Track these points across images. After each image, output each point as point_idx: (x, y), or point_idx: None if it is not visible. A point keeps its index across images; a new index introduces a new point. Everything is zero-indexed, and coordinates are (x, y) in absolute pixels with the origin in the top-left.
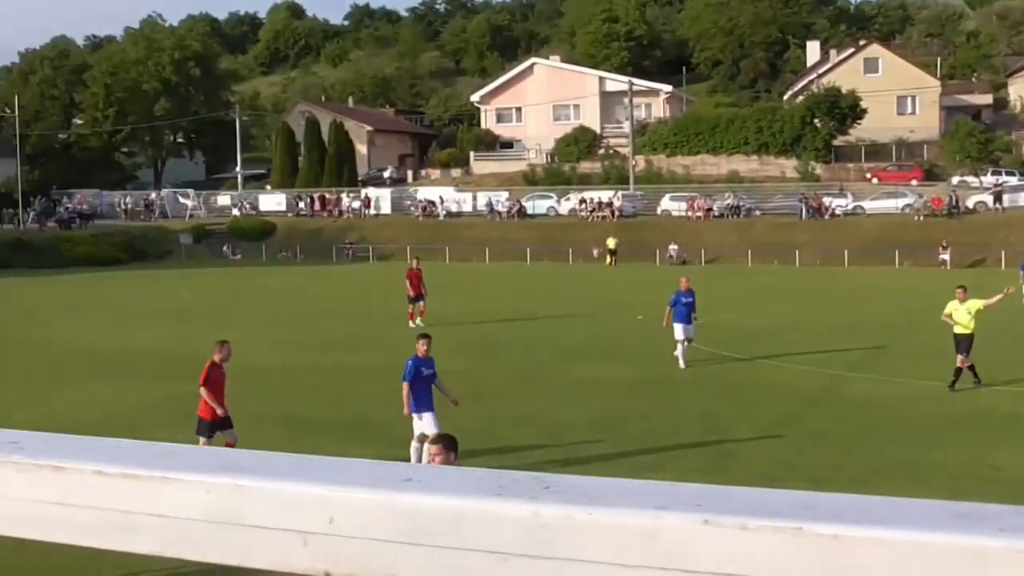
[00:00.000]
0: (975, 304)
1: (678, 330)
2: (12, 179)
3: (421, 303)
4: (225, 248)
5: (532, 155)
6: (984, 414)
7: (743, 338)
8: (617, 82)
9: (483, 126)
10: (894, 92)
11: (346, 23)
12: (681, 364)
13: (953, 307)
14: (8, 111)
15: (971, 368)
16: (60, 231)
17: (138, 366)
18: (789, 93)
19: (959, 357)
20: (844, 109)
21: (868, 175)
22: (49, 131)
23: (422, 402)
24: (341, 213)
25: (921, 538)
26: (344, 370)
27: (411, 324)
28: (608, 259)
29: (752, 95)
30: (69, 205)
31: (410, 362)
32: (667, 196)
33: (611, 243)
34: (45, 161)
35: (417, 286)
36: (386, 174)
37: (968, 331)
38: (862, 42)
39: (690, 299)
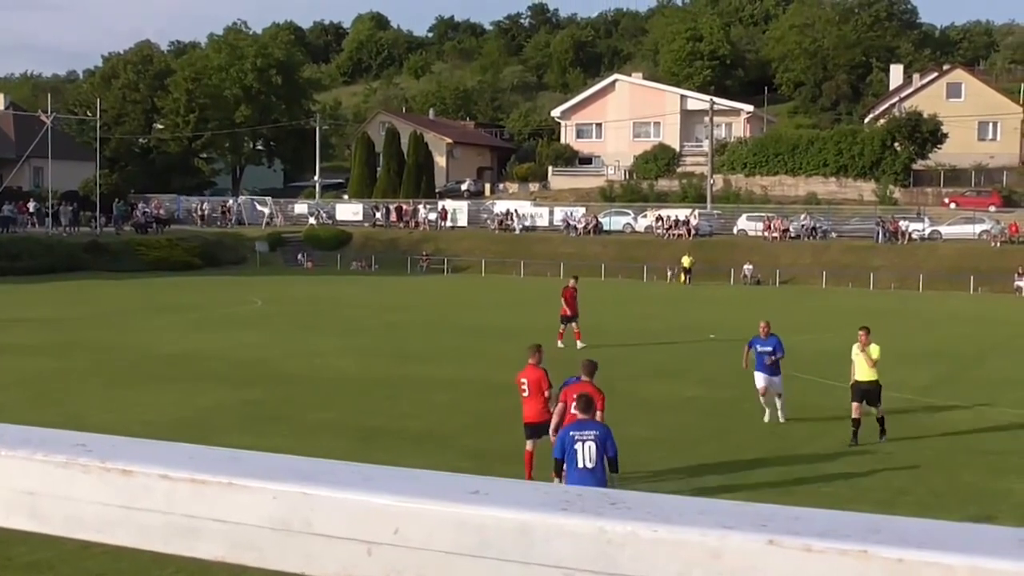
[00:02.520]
0: (877, 351)
1: (757, 379)
2: (91, 182)
3: (575, 323)
4: (300, 256)
5: (610, 171)
6: None
7: (816, 360)
8: (698, 101)
9: (563, 141)
10: (976, 118)
11: (430, 35)
12: (766, 418)
13: (854, 352)
14: (90, 114)
15: (856, 422)
16: (136, 235)
17: (210, 371)
18: (870, 116)
19: (854, 405)
20: (925, 133)
21: (946, 200)
22: (129, 135)
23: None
24: (418, 224)
25: (984, 564)
26: (416, 381)
27: (559, 344)
28: (683, 277)
29: (833, 117)
30: (146, 209)
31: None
32: (744, 216)
33: (686, 261)
34: (124, 165)
35: (573, 305)
36: (464, 187)
37: (867, 379)
38: (946, 67)
39: (768, 347)
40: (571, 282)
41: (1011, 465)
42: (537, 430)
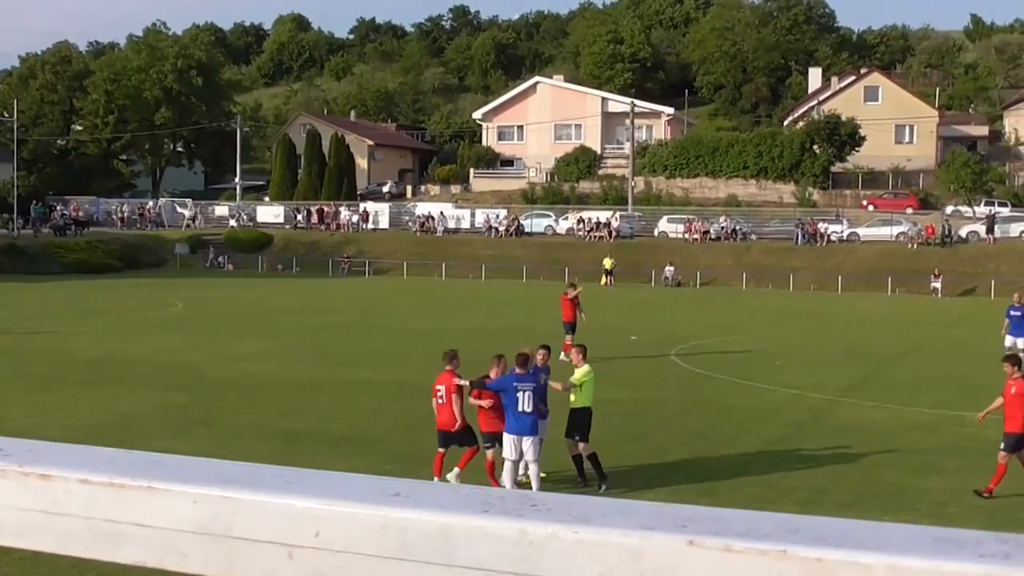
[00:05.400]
0: (580, 375)
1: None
2: (8, 184)
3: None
4: (220, 258)
5: (532, 173)
6: (969, 442)
7: (736, 361)
8: (619, 103)
9: (484, 143)
10: (893, 121)
11: (351, 37)
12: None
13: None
14: (7, 115)
15: (577, 459)
16: (55, 237)
17: (131, 375)
18: (790, 119)
19: (567, 442)
20: (843, 136)
21: (864, 202)
22: (47, 136)
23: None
24: (339, 227)
25: (902, 562)
26: (339, 384)
27: (562, 356)
28: (604, 279)
29: (753, 120)
30: (65, 211)
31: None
32: (664, 218)
33: (607, 263)
34: (42, 166)
35: (571, 313)
36: (385, 189)
37: (579, 405)
38: (863, 70)
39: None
40: (570, 291)
41: (928, 464)
42: (447, 438)
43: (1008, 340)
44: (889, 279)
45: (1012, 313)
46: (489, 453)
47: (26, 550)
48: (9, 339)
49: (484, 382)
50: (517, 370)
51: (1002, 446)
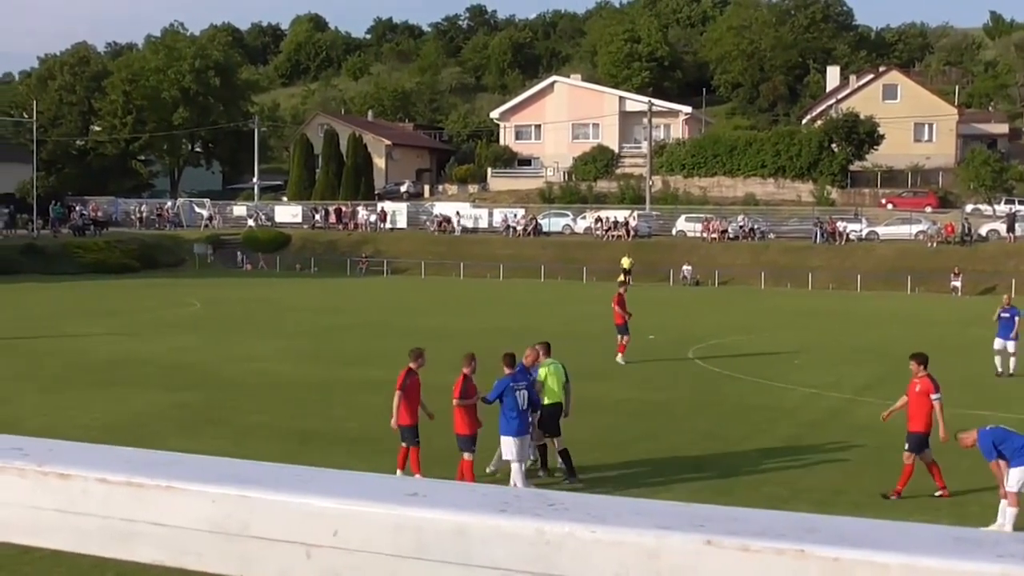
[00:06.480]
0: (543, 374)
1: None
2: (27, 184)
3: (626, 336)
4: (239, 258)
5: (549, 173)
6: None
7: (753, 360)
8: (637, 102)
9: (502, 143)
10: (912, 119)
11: (368, 37)
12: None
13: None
14: (26, 116)
15: (563, 454)
16: (73, 238)
17: (146, 375)
18: (807, 117)
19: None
20: (862, 135)
21: (883, 201)
22: (66, 137)
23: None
24: (357, 226)
25: (920, 562)
26: (352, 384)
27: (619, 359)
28: (622, 278)
29: (771, 118)
30: (84, 212)
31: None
32: (682, 217)
33: (626, 262)
34: (61, 167)
35: (621, 315)
36: (403, 188)
37: (545, 402)
38: (882, 68)
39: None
40: (621, 289)
41: (946, 463)
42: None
43: (997, 343)
44: (908, 278)
45: (1002, 315)
46: (467, 455)
47: (45, 549)
48: (26, 339)
49: (469, 389)
50: (506, 370)
51: (907, 447)
